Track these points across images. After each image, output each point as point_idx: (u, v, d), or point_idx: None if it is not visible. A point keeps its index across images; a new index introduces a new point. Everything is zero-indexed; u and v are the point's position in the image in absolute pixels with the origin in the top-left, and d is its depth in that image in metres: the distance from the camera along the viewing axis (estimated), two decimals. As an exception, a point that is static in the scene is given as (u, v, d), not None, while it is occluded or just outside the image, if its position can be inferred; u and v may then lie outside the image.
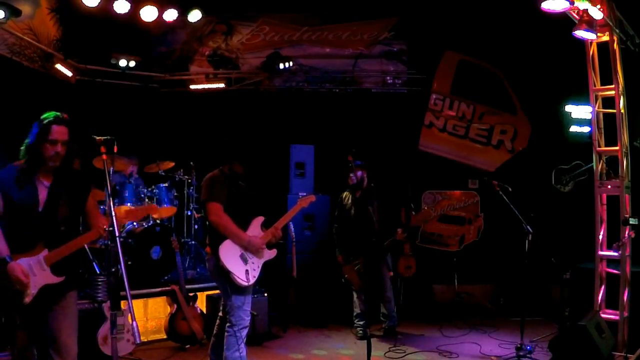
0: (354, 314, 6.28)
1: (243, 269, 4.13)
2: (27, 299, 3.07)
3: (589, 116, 6.16)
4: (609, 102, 5.62)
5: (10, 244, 3.10)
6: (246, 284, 4.11)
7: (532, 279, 6.40)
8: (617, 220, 5.39)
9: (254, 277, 4.19)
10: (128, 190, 6.50)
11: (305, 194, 7.27)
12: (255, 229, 4.33)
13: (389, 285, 6.28)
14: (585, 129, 7.22)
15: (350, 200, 6.30)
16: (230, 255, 4.10)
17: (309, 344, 5.95)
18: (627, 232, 5.27)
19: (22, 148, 3.24)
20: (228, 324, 4.13)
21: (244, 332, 4.13)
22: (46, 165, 3.20)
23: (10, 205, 3.14)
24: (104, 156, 3.05)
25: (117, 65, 7.97)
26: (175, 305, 5.69)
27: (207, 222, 4.27)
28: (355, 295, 6.26)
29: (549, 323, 6.47)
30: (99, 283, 5.23)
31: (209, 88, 8.56)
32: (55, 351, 3.20)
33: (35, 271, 3.11)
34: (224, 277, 4.09)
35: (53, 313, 3.23)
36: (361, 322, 6.16)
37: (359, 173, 6.24)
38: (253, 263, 4.21)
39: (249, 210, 4.38)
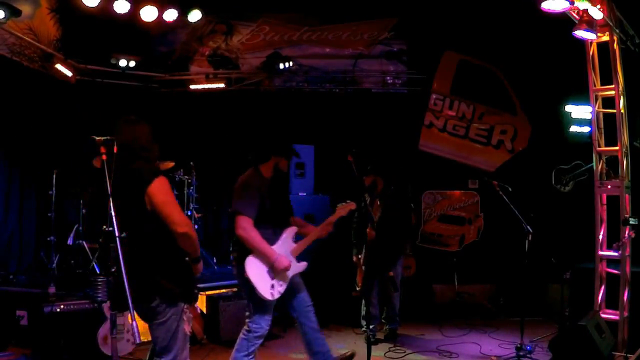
0: (362, 314, 6.00)
1: (269, 283, 4.00)
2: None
3: (589, 116, 6.16)
4: (609, 102, 5.62)
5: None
6: (270, 299, 4.01)
7: (532, 279, 6.38)
8: (617, 220, 5.39)
9: (280, 292, 4.07)
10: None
11: (305, 193, 7.30)
12: (286, 240, 4.21)
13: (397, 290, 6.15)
14: (585, 129, 7.22)
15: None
16: (256, 269, 3.97)
17: (309, 344, 5.94)
18: (627, 232, 5.27)
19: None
20: (246, 328, 4.08)
21: (258, 342, 4.07)
22: None
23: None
24: (104, 156, 3.04)
25: (117, 65, 7.95)
26: (175, 305, 5.67)
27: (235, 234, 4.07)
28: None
29: (549, 323, 6.47)
30: (99, 283, 5.23)
31: (209, 88, 8.54)
32: None
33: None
34: (249, 286, 3.98)
35: None
36: (371, 326, 5.82)
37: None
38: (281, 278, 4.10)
39: (285, 214, 4.28)
